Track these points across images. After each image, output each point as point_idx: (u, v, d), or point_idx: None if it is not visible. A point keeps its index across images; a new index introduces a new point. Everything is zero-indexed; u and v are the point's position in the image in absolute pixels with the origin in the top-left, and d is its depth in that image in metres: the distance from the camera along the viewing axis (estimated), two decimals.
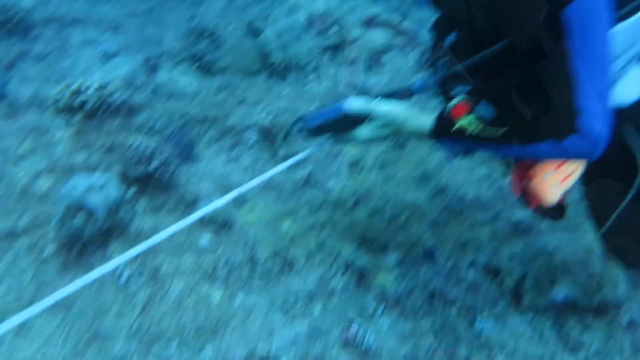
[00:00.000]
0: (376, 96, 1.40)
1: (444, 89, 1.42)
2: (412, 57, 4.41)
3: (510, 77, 1.36)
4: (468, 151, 1.40)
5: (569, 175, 1.37)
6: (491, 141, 1.24)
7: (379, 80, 4.16)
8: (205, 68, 3.76)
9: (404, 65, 4.31)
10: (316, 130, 1.39)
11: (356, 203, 2.73)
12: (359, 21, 4.49)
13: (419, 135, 1.35)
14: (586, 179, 1.68)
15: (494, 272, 2.32)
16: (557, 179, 1.38)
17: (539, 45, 1.20)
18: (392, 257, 2.47)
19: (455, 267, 2.39)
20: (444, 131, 1.29)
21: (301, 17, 4.13)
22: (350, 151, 3.18)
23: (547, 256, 2.28)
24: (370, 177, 2.96)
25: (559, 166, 1.36)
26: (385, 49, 4.28)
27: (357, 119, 1.34)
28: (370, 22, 4.52)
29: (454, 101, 1.34)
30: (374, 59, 4.24)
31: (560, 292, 2.17)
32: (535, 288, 2.19)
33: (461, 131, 1.25)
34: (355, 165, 3.06)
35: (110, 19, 4.07)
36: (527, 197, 1.43)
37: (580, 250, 2.26)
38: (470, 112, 1.32)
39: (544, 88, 1.21)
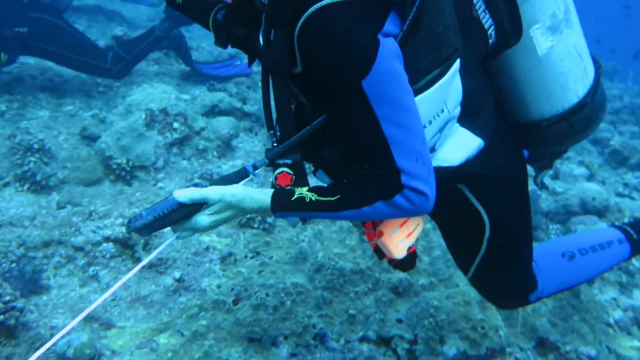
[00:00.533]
0: (211, 182, 1.38)
1: (276, 165, 1.44)
2: (260, 137, 4.47)
3: (336, 147, 1.45)
4: (307, 219, 1.44)
5: (413, 231, 1.53)
6: (330, 207, 1.29)
7: (234, 164, 4.13)
8: (39, 186, 3.40)
9: (254, 147, 4.35)
10: (149, 227, 1.30)
11: (236, 299, 2.58)
12: (202, 111, 4.48)
13: (261, 212, 1.35)
14: (444, 234, 1.81)
15: (385, 342, 2.31)
16: (403, 235, 1.52)
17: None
18: (283, 350, 2.36)
19: (348, 344, 2.34)
20: (284, 203, 1.32)
21: (139, 116, 3.98)
22: (217, 245, 3.04)
23: (431, 314, 2.34)
24: (245, 268, 2.85)
25: (403, 223, 1.51)
26: (233, 134, 4.29)
27: (194, 208, 1.31)
28: (213, 111, 4.52)
29: (276, 172, 1.40)
30: (224, 146, 4.21)
31: (451, 348, 2.22)
32: (427, 350, 2.22)
33: (301, 199, 1.30)
34: (226, 258, 2.93)
35: None
36: (382, 254, 1.54)
37: (460, 302, 2.35)
38: (292, 182, 1.39)
39: (367, 154, 1.30)
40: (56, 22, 4.35)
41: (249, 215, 3.28)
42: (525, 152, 2.21)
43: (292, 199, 1.30)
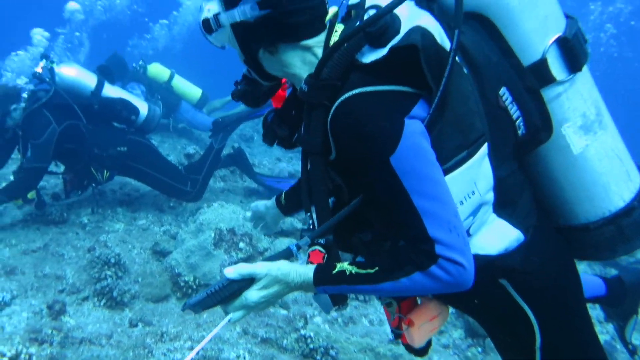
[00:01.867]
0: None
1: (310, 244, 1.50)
2: None
3: (371, 228, 1.50)
4: (339, 299, 1.45)
5: (438, 326, 1.59)
6: (369, 280, 1.31)
7: None
8: (114, 302, 3.58)
9: None
10: (202, 304, 1.38)
11: None
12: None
13: (305, 287, 1.39)
14: (496, 344, 1.70)
15: None
16: (429, 329, 1.57)
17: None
18: None
19: None
20: (326, 276, 1.36)
21: (209, 235, 4.21)
22: None
23: None
24: None
25: (432, 318, 1.57)
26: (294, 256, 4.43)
27: (243, 284, 1.38)
28: (277, 231, 4.72)
29: (309, 250, 1.45)
30: None
31: None
32: None
33: (341, 273, 1.33)
34: None
35: (2, 263, 3.80)
36: (399, 335, 1.59)
37: None
38: (324, 260, 1.42)
39: (400, 229, 1.32)
40: (148, 144, 4.83)
41: (311, 346, 3.33)
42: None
43: (334, 272, 1.34)
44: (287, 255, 1.47)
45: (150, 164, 4.73)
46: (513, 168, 1.53)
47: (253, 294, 1.38)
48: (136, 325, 3.40)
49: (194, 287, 3.91)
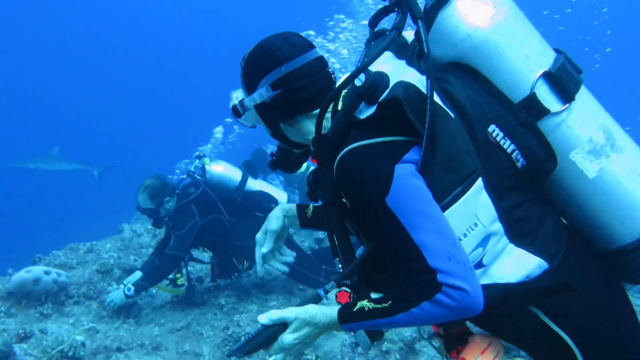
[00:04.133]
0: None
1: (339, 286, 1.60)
2: None
3: (386, 268, 1.57)
4: (375, 335, 1.51)
5: (494, 358, 1.59)
6: (385, 313, 1.40)
7: None
8: None
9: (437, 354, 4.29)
10: (242, 350, 1.51)
11: None
12: None
13: (332, 326, 1.49)
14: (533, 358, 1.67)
15: None
16: None
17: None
18: None
19: None
20: (348, 314, 1.46)
21: None
22: None
23: None
24: None
25: (484, 351, 1.59)
26: (416, 338, 4.34)
27: (277, 328, 1.50)
28: None
29: (336, 290, 1.56)
30: (407, 349, 4.27)
31: None
32: None
33: (361, 309, 1.43)
34: None
35: (151, 339, 4.32)
36: None
37: None
38: (351, 300, 1.53)
39: (405, 264, 1.39)
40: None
41: None
42: None
43: (354, 310, 1.44)
44: (316, 299, 1.62)
45: None
46: (523, 199, 1.56)
47: (287, 337, 1.51)
48: None
49: None
